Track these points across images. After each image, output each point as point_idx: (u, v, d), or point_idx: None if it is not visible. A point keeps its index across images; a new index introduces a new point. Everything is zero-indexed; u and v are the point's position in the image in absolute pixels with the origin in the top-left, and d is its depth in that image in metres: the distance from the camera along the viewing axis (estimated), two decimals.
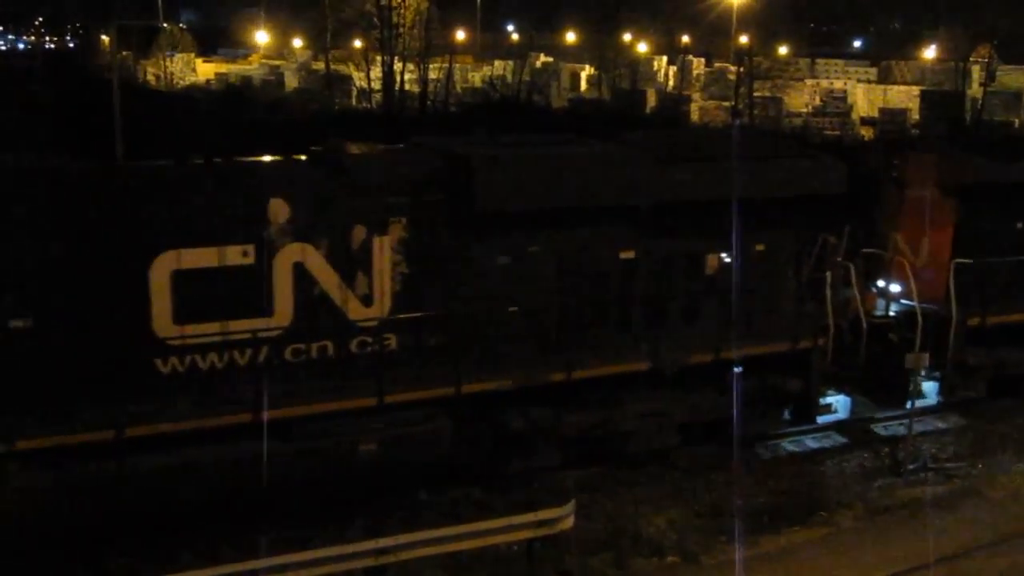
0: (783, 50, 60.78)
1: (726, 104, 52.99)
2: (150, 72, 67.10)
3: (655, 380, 14.62)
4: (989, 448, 16.55)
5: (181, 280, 12.13)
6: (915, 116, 49.71)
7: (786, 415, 16.21)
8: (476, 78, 63.85)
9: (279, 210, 12.51)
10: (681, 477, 15.05)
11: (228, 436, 12.28)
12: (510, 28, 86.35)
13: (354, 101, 52.94)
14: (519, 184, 13.54)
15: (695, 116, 52.56)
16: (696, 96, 57.41)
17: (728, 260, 14.86)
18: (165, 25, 73.36)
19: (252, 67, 70.07)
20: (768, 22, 58.81)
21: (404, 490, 13.66)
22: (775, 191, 15.00)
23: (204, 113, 39.27)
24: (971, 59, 53.18)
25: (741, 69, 52.25)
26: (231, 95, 50.57)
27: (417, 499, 13.82)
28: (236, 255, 12.30)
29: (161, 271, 12.07)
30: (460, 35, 71.10)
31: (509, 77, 60.98)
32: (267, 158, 14.40)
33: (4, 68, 64.66)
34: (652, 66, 65.54)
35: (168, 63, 65.89)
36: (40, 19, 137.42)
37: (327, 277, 12.90)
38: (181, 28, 78.87)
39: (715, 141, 17.14)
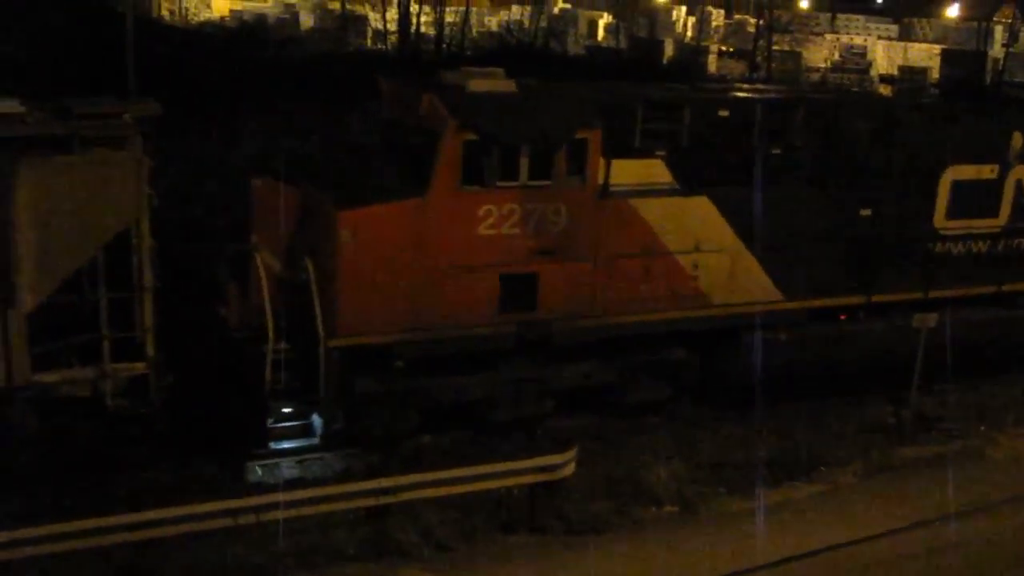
0: (804, 3, 59.82)
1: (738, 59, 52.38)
2: (164, 6, 66.50)
3: None
4: (991, 412, 16.57)
5: (955, 188, 16.85)
6: (935, 75, 49.09)
7: None
8: (493, 22, 63.13)
9: (1017, 140, 17.28)
10: (682, 428, 15.09)
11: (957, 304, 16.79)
12: None
13: (369, 42, 52.50)
14: None
15: (712, 67, 51.98)
16: (714, 47, 56.73)
17: None
18: None
19: (267, 5, 69.39)
20: None
21: None
22: None
23: (218, 51, 38.86)
24: (994, 19, 52.46)
25: (761, 21, 51.61)
26: (244, 33, 50.07)
27: (420, 441, 13.92)
28: (987, 171, 17.16)
29: (945, 180, 16.79)
30: None
31: (526, 23, 60.33)
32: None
33: None
34: (671, 16, 64.77)
35: None
36: None
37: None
38: None
39: None
